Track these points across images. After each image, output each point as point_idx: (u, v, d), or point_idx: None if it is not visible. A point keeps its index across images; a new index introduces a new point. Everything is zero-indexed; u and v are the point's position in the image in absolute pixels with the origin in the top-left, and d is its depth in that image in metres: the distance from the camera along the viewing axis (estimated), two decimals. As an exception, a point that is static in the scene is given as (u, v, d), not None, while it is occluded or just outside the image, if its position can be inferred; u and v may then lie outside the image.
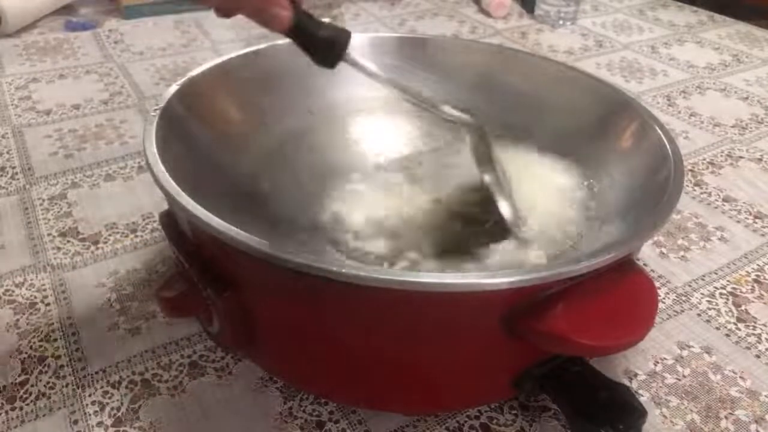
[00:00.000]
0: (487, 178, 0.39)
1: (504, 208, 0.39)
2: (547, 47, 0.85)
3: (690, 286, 0.46)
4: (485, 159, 0.39)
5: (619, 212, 0.39)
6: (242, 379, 0.38)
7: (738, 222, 0.53)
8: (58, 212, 0.51)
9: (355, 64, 0.35)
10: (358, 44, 0.51)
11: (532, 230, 0.41)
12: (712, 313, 0.44)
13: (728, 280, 0.47)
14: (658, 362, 0.40)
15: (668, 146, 0.37)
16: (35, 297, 0.43)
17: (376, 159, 0.50)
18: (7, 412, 0.36)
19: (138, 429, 0.35)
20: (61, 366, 0.38)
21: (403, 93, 0.38)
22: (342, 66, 0.50)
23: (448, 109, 0.38)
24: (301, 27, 0.32)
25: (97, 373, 0.38)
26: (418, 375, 0.33)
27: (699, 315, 0.44)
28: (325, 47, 0.34)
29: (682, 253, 0.49)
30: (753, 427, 0.36)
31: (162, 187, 0.31)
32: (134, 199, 0.53)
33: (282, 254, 0.27)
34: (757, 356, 0.41)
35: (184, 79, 0.41)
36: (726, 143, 0.64)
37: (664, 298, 0.45)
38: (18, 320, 0.41)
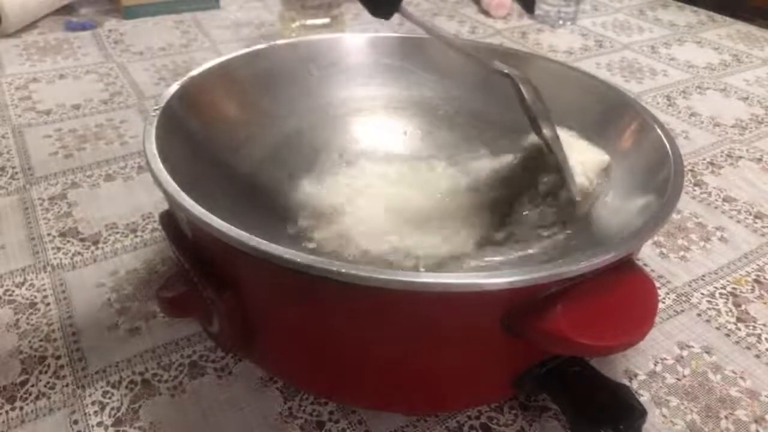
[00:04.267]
0: (547, 132, 0.39)
1: (571, 173, 0.39)
2: (547, 47, 0.85)
3: (690, 286, 0.46)
4: (543, 114, 0.39)
5: (619, 212, 0.39)
6: (242, 379, 0.38)
7: (738, 222, 0.53)
8: (58, 212, 0.51)
9: (409, 17, 0.36)
10: (359, 44, 0.51)
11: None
12: (712, 313, 0.44)
13: (728, 280, 0.47)
14: (658, 362, 0.40)
15: (668, 146, 0.37)
16: (35, 297, 0.43)
17: (377, 158, 0.50)
18: (7, 412, 0.36)
19: (138, 429, 0.35)
20: (61, 366, 0.38)
21: (450, 46, 0.39)
22: (342, 66, 0.50)
23: (497, 64, 0.39)
24: None
25: (97, 373, 0.38)
26: (418, 375, 0.33)
27: (699, 315, 0.44)
28: None
29: (682, 253, 0.49)
30: (753, 427, 0.36)
31: (162, 187, 0.31)
32: (134, 199, 0.53)
33: (282, 254, 0.27)
34: (757, 356, 0.41)
35: (184, 79, 0.41)
36: (726, 143, 0.64)
37: (664, 298, 0.45)
38: (18, 320, 0.41)
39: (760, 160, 0.61)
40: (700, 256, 0.49)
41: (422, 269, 0.40)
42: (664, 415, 0.37)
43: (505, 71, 0.39)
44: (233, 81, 0.46)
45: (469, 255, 0.41)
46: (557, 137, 0.39)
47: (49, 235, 0.48)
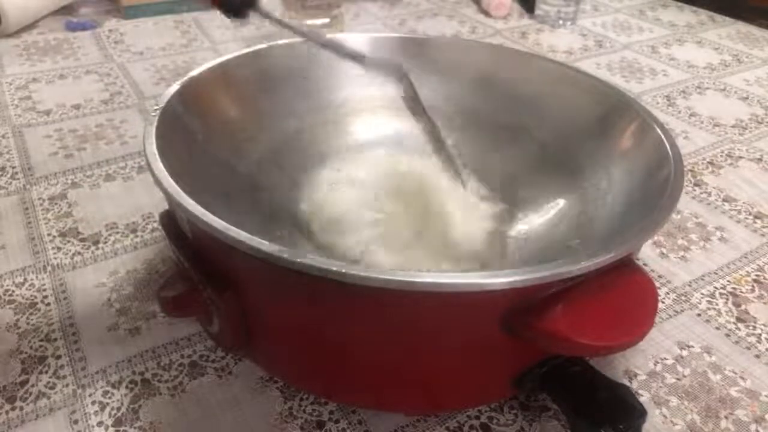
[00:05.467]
0: (421, 126, 0.42)
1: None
2: (547, 47, 0.85)
3: (690, 286, 0.46)
4: (417, 108, 0.42)
5: (619, 212, 0.39)
6: (242, 379, 0.38)
7: (738, 222, 0.53)
8: (58, 212, 0.51)
9: (267, 16, 0.37)
10: (359, 44, 0.51)
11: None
12: (712, 313, 0.44)
13: (728, 280, 0.47)
14: (658, 362, 0.40)
15: (668, 146, 0.37)
16: (35, 297, 0.43)
17: (377, 158, 0.50)
18: (7, 412, 0.36)
19: (138, 429, 0.35)
20: (61, 366, 0.38)
21: (324, 46, 0.41)
22: (342, 66, 0.50)
23: (370, 59, 0.42)
24: None
25: (97, 373, 0.38)
26: (418, 375, 0.33)
27: (699, 315, 0.44)
28: None
29: (682, 253, 0.49)
30: (753, 427, 0.36)
31: (162, 187, 0.31)
32: (134, 199, 0.53)
33: (282, 254, 0.27)
34: (757, 356, 0.41)
35: (184, 79, 0.41)
36: (726, 143, 0.64)
37: (664, 298, 0.45)
38: (18, 320, 0.41)
39: (760, 160, 0.61)
40: (700, 256, 0.49)
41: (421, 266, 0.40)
42: (664, 415, 0.37)
43: (383, 65, 0.41)
44: (233, 81, 0.46)
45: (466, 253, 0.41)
46: (432, 131, 0.44)
47: (49, 235, 0.48)
